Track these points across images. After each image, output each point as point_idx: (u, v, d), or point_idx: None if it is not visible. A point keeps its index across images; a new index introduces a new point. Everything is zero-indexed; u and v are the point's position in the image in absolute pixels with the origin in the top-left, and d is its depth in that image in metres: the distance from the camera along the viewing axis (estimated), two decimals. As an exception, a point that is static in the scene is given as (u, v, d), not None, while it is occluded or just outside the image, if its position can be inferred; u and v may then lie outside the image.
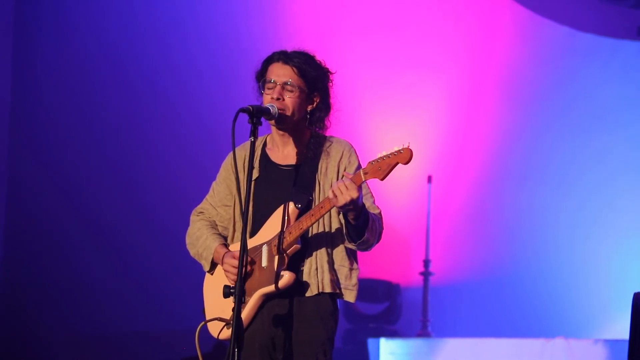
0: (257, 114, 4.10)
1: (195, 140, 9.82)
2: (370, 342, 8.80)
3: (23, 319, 9.67)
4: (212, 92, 9.81)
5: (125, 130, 9.91)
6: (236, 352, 3.87)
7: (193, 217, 4.48)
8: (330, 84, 4.32)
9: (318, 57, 4.32)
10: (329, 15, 10.29)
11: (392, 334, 9.61)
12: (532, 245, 10.16)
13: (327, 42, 9.81)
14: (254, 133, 4.10)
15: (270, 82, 4.24)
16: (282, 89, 4.22)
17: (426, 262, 9.90)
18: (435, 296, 9.92)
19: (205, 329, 4.20)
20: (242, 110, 4.09)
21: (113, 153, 9.88)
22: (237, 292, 3.92)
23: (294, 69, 4.23)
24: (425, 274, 9.90)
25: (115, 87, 9.93)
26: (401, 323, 9.91)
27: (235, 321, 3.89)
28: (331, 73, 4.33)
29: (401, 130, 10.07)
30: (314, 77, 4.25)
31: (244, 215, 3.99)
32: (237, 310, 3.91)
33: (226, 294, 3.99)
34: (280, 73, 4.23)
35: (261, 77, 4.29)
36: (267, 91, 4.25)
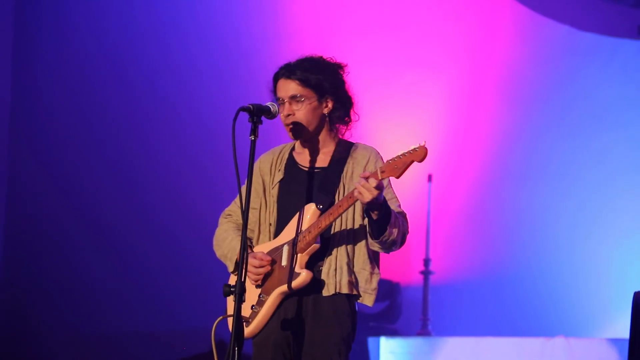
0: (258, 113, 4.13)
1: (195, 140, 9.83)
2: (371, 340, 8.80)
3: (23, 319, 9.66)
4: (212, 91, 9.81)
5: (125, 130, 9.91)
6: (236, 351, 3.88)
7: (221, 220, 4.54)
8: (343, 77, 4.36)
9: (326, 56, 4.37)
10: (329, 15, 10.30)
11: (392, 332, 9.61)
12: (532, 244, 10.16)
13: (327, 41, 9.81)
14: (254, 132, 4.12)
15: (280, 100, 4.32)
16: (289, 104, 4.28)
17: (426, 261, 9.91)
18: (436, 295, 9.92)
19: (210, 327, 4.21)
20: (243, 109, 4.11)
21: (113, 153, 9.88)
22: (237, 290, 3.93)
23: (297, 81, 4.28)
24: (426, 273, 9.90)
25: (115, 87, 9.93)
26: (401, 322, 9.91)
27: (235, 320, 3.90)
28: (342, 67, 4.37)
29: (401, 130, 10.07)
30: (319, 81, 4.29)
31: (244, 214, 4.02)
32: (237, 309, 3.92)
33: (226, 293, 4.00)
34: (286, 88, 4.30)
35: (274, 94, 4.36)
36: (280, 108, 4.30)
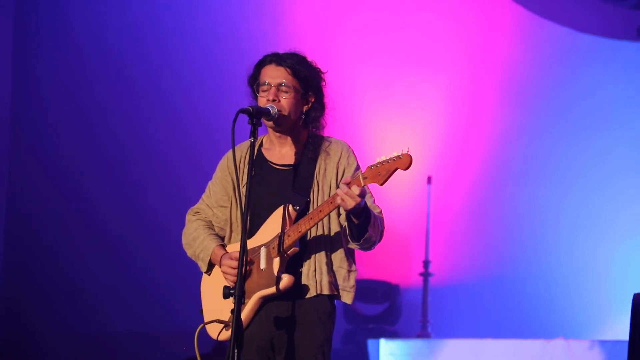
0: (257, 115, 4.10)
1: (194, 141, 9.82)
2: (370, 342, 8.79)
3: (23, 320, 9.66)
4: (212, 92, 9.80)
5: (125, 130, 9.90)
6: (236, 353, 3.87)
7: (189, 217, 4.48)
8: (324, 83, 4.32)
9: (309, 58, 4.32)
10: (330, 16, 10.29)
11: (392, 334, 9.61)
12: (532, 245, 10.15)
13: (328, 42, 9.81)
14: (254, 134, 4.09)
15: (265, 84, 4.24)
16: (277, 90, 4.22)
17: (426, 263, 9.90)
18: (435, 297, 9.91)
19: (204, 330, 4.19)
20: (242, 111, 4.08)
21: (113, 153, 9.88)
22: (237, 292, 3.92)
23: (288, 69, 4.23)
24: (425, 275, 9.89)
25: (116, 88, 9.92)
26: (401, 324, 9.90)
27: (235, 322, 3.89)
28: (323, 73, 4.33)
29: (401, 130, 10.07)
30: (307, 76, 4.25)
31: (244, 216, 3.98)
32: (236, 311, 3.90)
33: (226, 295, 3.98)
34: (274, 75, 4.23)
35: (254, 80, 4.29)
36: (261, 94, 4.25)
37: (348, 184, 3.97)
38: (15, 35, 9.90)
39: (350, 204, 3.95)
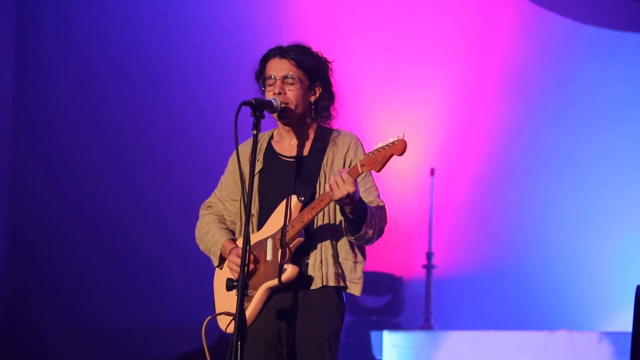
0: (260, 107, 4.10)
1: (198, 136, 9.83)
2: (373, 334, 8.81)
3: (26, 317, 9.68)
4: (216, 88, 9.81)
5: (127, 128, 9.91)
6: (239, 346, 3.88)
7: (202, 211, 4.49)
8: (330, 72, 4.32)
9: (315, 49, 4.33)
10: (332, 10, 10.30)
11: (395, 326, 9.62)
12: (534, 237, 10.16)
13: (330, 37, 9.81)
14: (257, 126, 4.09)
15: (270, 77, 4.24)
16: (282, 83, 4.22)
17: (429, 255, 9.91)
18: (438, 289, 9.92)
19: (213, 323, 4.20)
20: (245, 103, 4.08)
21: (115, 151, 9.89)
22: (239, 285, 3.92)
23: (292, 61, 4.23)
24: (428, 267, 9.90)
25: (118, 86, 9.93)
26: (404, 316, 9.92)
27: (238, 315, 3.89)
28: (329, 62, 4.33)
29: (404, 123, 10.07)
30: (312, 67, 4.25)
31: (247, 208, 4.00)
32: (239, 303, 3.91)
33: (229, 287, 3.99)
34: (279, 68, 4.24)
35: (260, 75, 4.30)
36: (268, 88, 4.25)
37: (341, 174, 3.96)
38: (16, 34, 9.91)
39: (339, 192, 3.95)
